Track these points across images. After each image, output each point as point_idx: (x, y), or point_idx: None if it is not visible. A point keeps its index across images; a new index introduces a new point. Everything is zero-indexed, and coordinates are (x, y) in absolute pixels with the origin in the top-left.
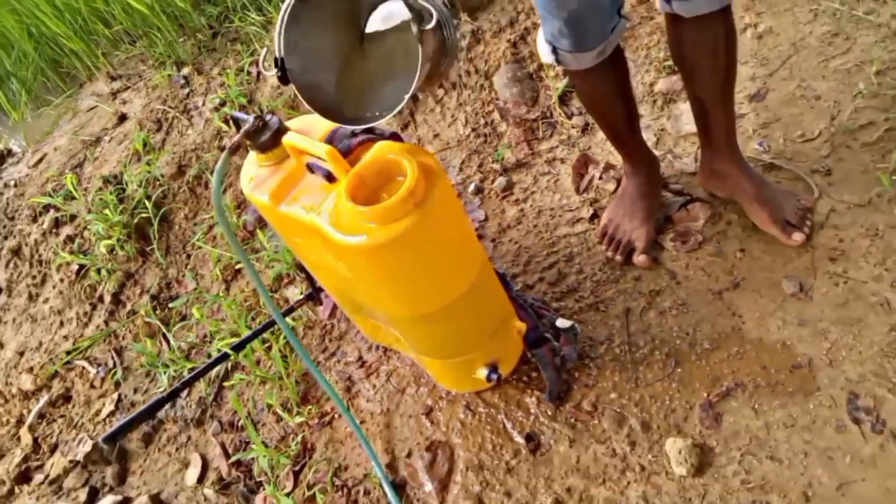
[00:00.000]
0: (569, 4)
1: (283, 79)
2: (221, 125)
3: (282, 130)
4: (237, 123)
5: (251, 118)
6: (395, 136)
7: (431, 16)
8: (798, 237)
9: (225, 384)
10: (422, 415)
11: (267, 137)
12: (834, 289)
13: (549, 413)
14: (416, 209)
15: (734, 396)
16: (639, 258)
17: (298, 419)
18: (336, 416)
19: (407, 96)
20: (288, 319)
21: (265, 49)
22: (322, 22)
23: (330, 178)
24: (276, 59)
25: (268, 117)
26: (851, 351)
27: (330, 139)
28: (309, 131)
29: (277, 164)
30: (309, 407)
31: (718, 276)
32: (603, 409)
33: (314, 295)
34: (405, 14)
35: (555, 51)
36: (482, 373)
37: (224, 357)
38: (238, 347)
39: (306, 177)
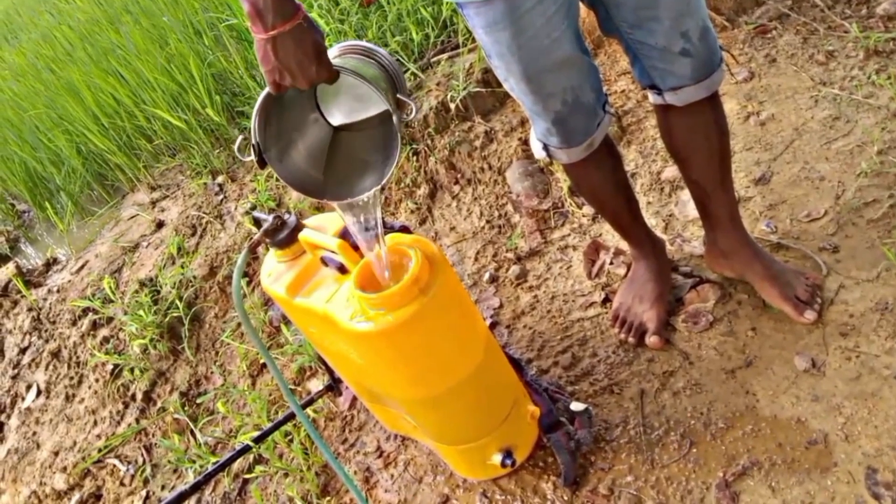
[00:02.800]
0: (553, 107)
1: (261, 162)
2: (251, 227)
3: (298, 228)
4: (258, 223)
5: (270, 217)
6: (404, 229)
7: (412, 110)
8: (810, 315)
9: (247, 476)
10: None
11: (284, 235)
12: (846, 364)
13: (566, 498)
14: (421, 295)
15: (750, 475)
16: (651, 340)
17: None
18: None
19: (387, 175)
20: (309, 411)
21: (240, 136)
22: (294, 107)
23: (342, 269)
24: (253, 145)
25: (286, 216)
26: (867, 425)
27: (343, 234)
28: (324, 228)
29: (294, 260)
30: (328, 498)
31: (731, 355)
32: (619, 493)
33: (334, 386)
34: (369, 107)
35: (545, 147)
36: (497, 458)
37: (246, 449)
38: (259, 439)
39: (321, 270)
